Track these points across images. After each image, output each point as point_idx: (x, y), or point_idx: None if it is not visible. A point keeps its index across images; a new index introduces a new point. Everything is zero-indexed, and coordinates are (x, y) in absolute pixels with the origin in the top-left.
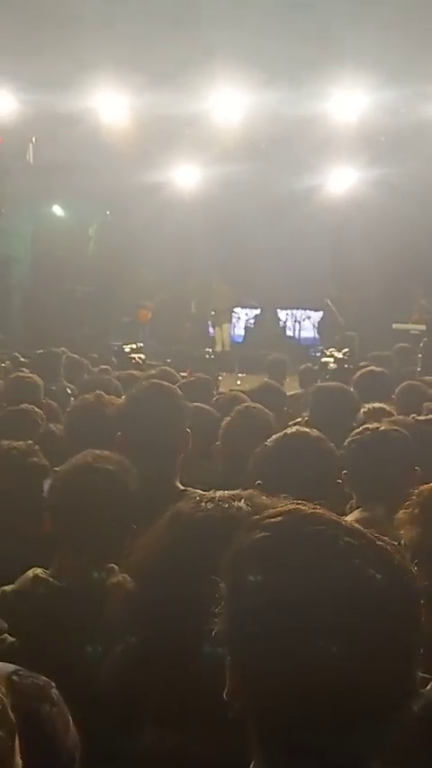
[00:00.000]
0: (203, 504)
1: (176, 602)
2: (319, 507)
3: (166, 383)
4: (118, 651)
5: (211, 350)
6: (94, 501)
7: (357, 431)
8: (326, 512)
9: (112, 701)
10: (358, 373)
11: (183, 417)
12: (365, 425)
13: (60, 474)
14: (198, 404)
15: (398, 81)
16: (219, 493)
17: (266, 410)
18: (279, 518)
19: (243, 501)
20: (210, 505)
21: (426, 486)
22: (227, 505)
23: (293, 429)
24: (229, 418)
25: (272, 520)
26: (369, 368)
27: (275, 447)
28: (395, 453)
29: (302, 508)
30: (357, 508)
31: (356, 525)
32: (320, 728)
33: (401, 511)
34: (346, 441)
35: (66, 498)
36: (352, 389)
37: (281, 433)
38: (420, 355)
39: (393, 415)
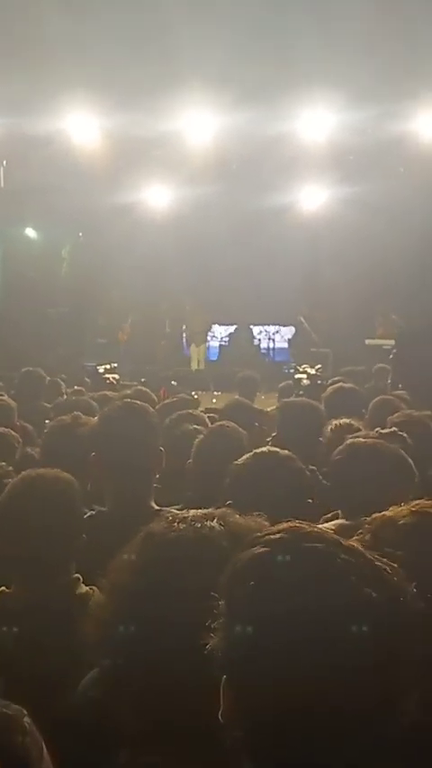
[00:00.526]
0: (176, 524)
1: (150, 623)
2: (317, 526)
3: (138, 402)
4: (91, 675)
5: (192, 368)
6: (33, 518)
7: (347, 444)
8: (325, 530)
9: (86, 724)
10: (328, 390)
11: (155, 436)
12: (353, 439)
13: (4, 493)
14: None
15: (365, 101)
16: (192, 512)
17: (239, 428)
18: (278, 535)
19: (216, 520)
20: (182, 525)
21: (377, 514)
22: (199, 525)
23: (263, 449)
24: (201, 437)
25: (271, 536)
26: (339, 384)
27: (245, 467)
28: (386, 466)
29: (302, 526)
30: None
31: (355, 545)
32: (316, 746)
33: (354, 537)
34: (336, 454)
35: (6, 515)
36: (319, 405)
37: (251, 453)
38: (382, 368)
39: (360, 431)
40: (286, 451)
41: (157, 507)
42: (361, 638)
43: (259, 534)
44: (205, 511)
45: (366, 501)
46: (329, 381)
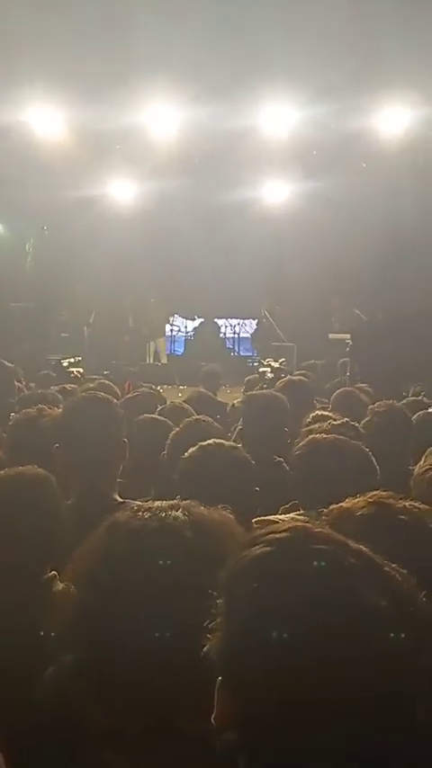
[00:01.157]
0: (140, 513)
1: (113, 613)
2: (324, 527)
3: (101, 394)
4: (53, 669)
5: (153, 362)
6: (12, 515)
7: (309, 439)
8: (332, 532)
9: (48, 719)
10: (278, 383)
11: (119, 428)
12: (314, 435)
13: None
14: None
15: (327, 95)
16: (156, 503)
17: (216, 423)
18: (283, 534)
19: (181, 510)
20: (147, 515)
21: (336, 506)
22: (164, 515)
23: (209, 441)
24: (177, 429)
25: (275, 535)
26: (287, 378)
27: (192, 460)
28: (346, 462)
29: (308, 525)
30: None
31: (364, 548)
32: (316, 751)
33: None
34: (297, 449)
35: None
36: (284, 397)
37: (196, 446)
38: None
39: (339, 422)
40: (231, 443)
41: (120, 500)
42: (366, 645)
43: (262, 532)
44: (170, 502)
45: (327, 496)
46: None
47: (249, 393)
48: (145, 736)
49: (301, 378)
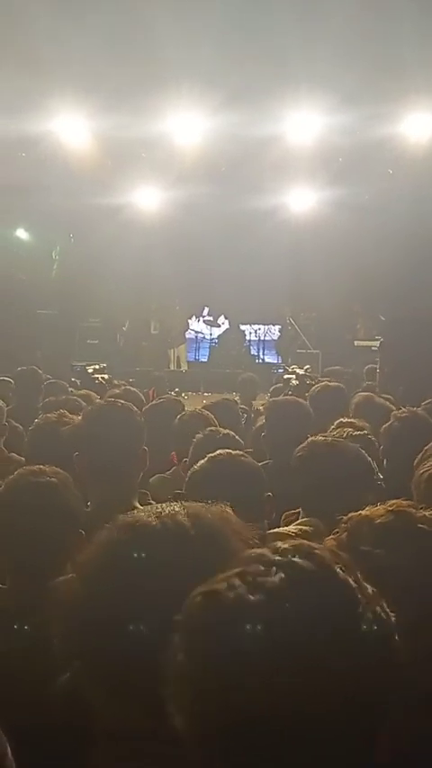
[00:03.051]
0: (142, 516)
1: (119, 618)
2: (322, 545)
3: (121, 402)
4: (63, 678)
5: (176, 369)
6: (25, 521)
7: (308, 442)
8: (317, 546)
9: (57, 720)
10: (313, 389)
11: (139, 436)
12: (314, 438)
13: None
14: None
15: (352, 102)
16: (158, 505)
17: (233, 435)
18: (257, 552)
19: (182, 510)
20: (147, 518)
21: (355, 513)
22: (165, 515)
23: (218, 451)
24: (195, 440)
25: (252, 553)
26: (323, 383)
27: (201, 471)
28: (344, 464)
29: (303, 543)
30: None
31: (326, 558)
32: (282, 760)
33: (330, 537)
34: (297, 452)
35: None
36: (307, 403)
37: (205, 458)
38: (378, 370)
39: (363, 429)
40: (241, 453)
41: (140, 506)
42: (330, 664)
43: (264, 549)
44: (172, 504)
45: (325, 498)
46: (317, 381)
47: (273, 399)
48: (153, 740)
49: (338, 384)
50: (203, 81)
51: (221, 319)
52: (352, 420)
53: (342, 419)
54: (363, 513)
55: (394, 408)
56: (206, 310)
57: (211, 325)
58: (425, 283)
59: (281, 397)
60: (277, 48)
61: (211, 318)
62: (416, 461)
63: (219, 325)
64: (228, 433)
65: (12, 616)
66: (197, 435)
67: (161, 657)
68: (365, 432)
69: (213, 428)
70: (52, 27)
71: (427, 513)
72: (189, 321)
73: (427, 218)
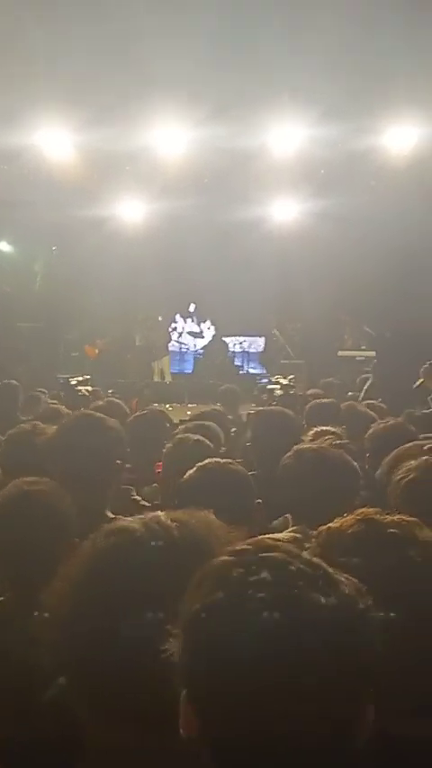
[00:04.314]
0: (123, 526)
1: (104, 630)
2: (283, 540)
3: (95, 414)
4: (52, 690)
5: (160, 381)
6: (22, 534)
7: (294, 449)
8: (291, 543)
9: (51, 738)
10: (309, 404)
11: (112, 447)
12: (300, 445)
13: None
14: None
15: (335, 115)
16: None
17: (207, 442)
18: (245, 546)
19: (164, 518)
20: (129, 527)
21: (323, 527)
22: (147, 524)
23: (207, 461)
24: (168, 447)
25: (237, 547)
26: (317, 400)
27: (191, 480)
28: (331, 471)
29: (271, 539)
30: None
31: (316, 559)
32: (278, 757)
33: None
34: (284, 459)
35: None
36: (293, 413)
37: (194, 468)
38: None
39: (342, 437)
40: (231, 461)
41: (112, 516)
42: (310, 644)
43: (233, 547)
44: (153, 513)
45: (312, 505)
46: (309, 393)
47: (259, 409)
48: (144, 750)
49: (332, 400)
50: (187, 93)
51: (207, 328)
52: (329, 428)
53: (320, 428)
54: (332, 525)
55: (376, 417)
56: (190, 320)
57: (196, 337)
58: (408, 296)
59: (267, 407)
60: (261, 61)
61: (196, 330)
62: (386, 466)
63: (203, 337)
64: (198, 440)
65: (5, 628)
66: (167, 444)
67: (150, 666)
68: (346, 440)
69: (183, 435)
70: (36, 40)
71: (395, 518)
72: (174, 331)
73: (409, 231)
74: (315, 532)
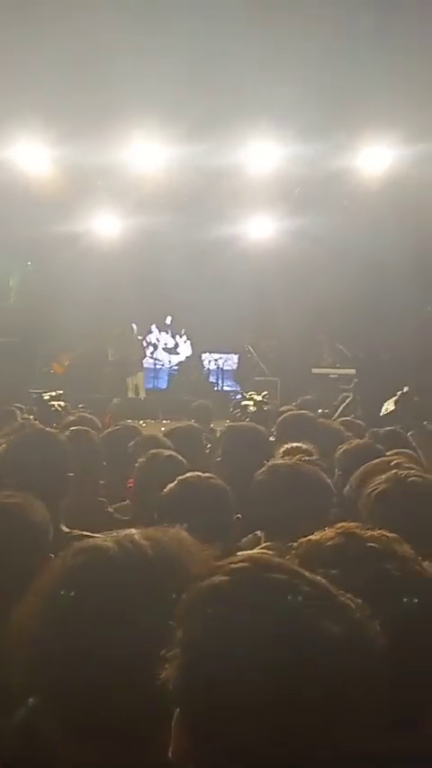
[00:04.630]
0: (94, 543)
1: (74, 649)
2: (282, 558)
3: (46, 429)
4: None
5: (135, 396)
6: (6, 542)
7: (268, 465)
8: (288, 562)
9: (23, 759)
10: (281, 417)
11: (63, 462)
12: (274, 461)
13: None
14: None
15: (310, 135)
16: (112, 532)
17: (179, 457)
18: (240, 564)
19: (137, 536)
20: (100, 544)
21: (303, 539)
22: (119, 542)
23: (189, 474)
24: (140, 462)
25: (233, 565)
26: (291, 411)
27: (171, 494)
28: (304, 486)
29: (266, 556)
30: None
31: (320, 579)
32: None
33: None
34: (257, 475)
35: None
36: (263, 429)
37: (175, 481)
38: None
39: (312, 455)
40: (210, 476)
41: (66, 530)
42: (319, 672)
43: (222, 563)
44: (127, 530)
45: (286, 521)
46: (282, 409)
47: (229, 425)
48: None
49: (306, 412)
50: (164, 110)
51: (184, 342)
52: (300, 445)
53: (291, 445)
54: (312, 538)
55: (350, 434)
56: (165, 333)
57: (171, 353)
58: (380, 316)
59: (237, 423)
60: (237, 80)
61: (172, 344)
62: (354, 482)
63: (178, 353)
64: (171, 455)
65: None
66: (140, 459)
67: (123, 684)
68: (316, 457)
69: (156, 450)
70: (11, 55)
71: (376, 533)
72: (149, 346)
73: (383, 252)
74: (295, 544)
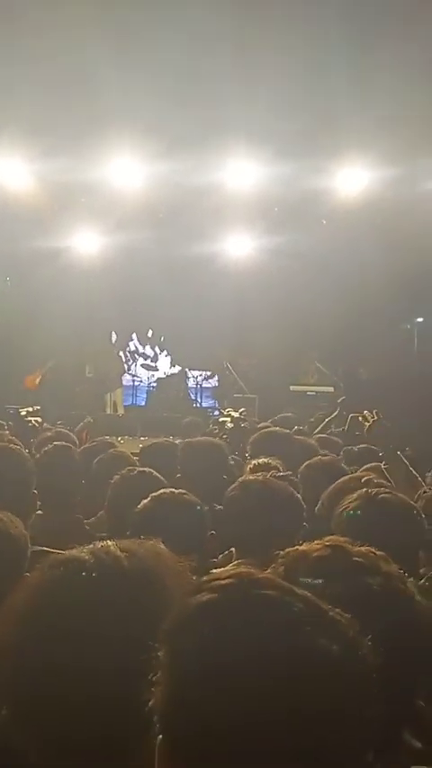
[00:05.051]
0: (69, 558)
1: (52, 661)
2: (268, 573)
3: (12, 446)
4: None
5: (113, 413)
6: None
7: (239, 481)
8: (276, 577)
9: None
10: (255, 435)
11: (28, 479)
12: (245, 477)
13: None
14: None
15: (288, 154)
16: (88, 546)
17: (155, 474)
18: (227, 580)
19: (114, 550)
20: (77, 559)
21: (291, 549)
22: (96, 556)
23: (163, 491)
24: (114, 480)
25: (219, 582)
26: (266, 429)
27: (144, 511)
28: (275, 502)
29: (252, 571)
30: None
31: (310, 594)
32: None
33: (269, 569)
34: (229, 491)
35: None
36: (222, 443)
37: (148, 498)
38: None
39: (279, 470)
40: (184, 492)
41: (36, 548)
42: (317, 693)
43: (206, 579)
44: (103, 543)
45: (257, 536)
46: (260, 426)
47: (187, 440)
48: None
49: (279, 429)
50: (144, 128)
51: (165, 356)
52: (267, 460)
53: (261, 460)
54: (299, 548)
55: (323, 450)
56: (148, 346)
57: (150, 369)
58: (358, 333)
59: (194, 439)
60: (217, 100)
61: (151, 355)
62: (327, 500)
63: (157, 369)
64: (144, 470)
65: None
66: (114, 476)
67: (99, 698)
68: (288, 472)
69: (130, 467)
70: None
71: (363, 549)
72: (129, 360)
73: (359, 269)
74: (282, 553)
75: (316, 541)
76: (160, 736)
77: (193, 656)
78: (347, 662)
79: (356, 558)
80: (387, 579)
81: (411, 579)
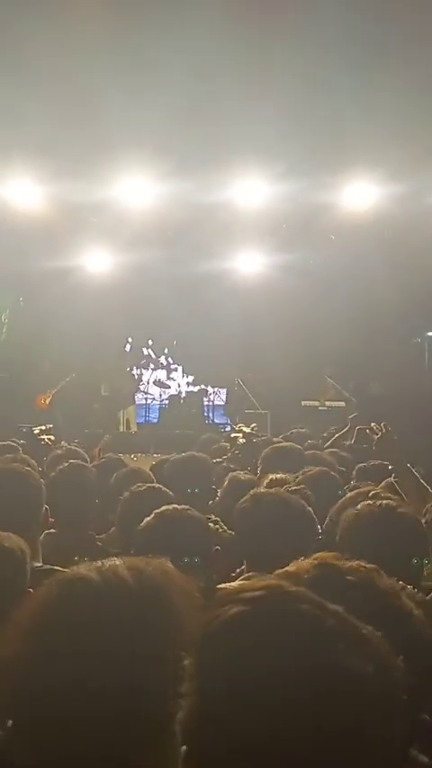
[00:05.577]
0: (78, 573)
1: (58, 679)
2: (298, 586)
3: (21, 466)
4: None
5: (126, 431)
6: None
7: (251, 494)
8: (307, 591)
9: None
10: (267, 449)
11: (37, 496)
12: (257, 490)
13: None
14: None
15: (296, 172)
16: (95, 563)
17: (163, 488)
18: (258, 592)
19: (122, 567)
20: (84, 575)
21: (280, 571)
22: (104, 572)
23: (165, 507)
24: (127, 494)
25: (250, 594)
26: (278, 444)
27: (148, 527)
28: (288, 516)
29: (282, 584)
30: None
31: (339, 609)
32: None
33: None
34: (240, 504)
35: None
36: (208, 458)
37: (152, 515)
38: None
39: (288, 483)
40: (189, 508)
41: (40, 564)
42: (349, 710)
43: (234, 590)
44: (111, 560)
45: (269, 549)
46: (267, 441)
47: (173, 456)
48: None
49: (292, 444)
50: (153, 148)
51: (175, 370)
52: (282, 477)
53: (276, 475)
54: (289, 569)
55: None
56: (164, 358)
57: (162, 386)
58: (368, 348)
59: (179, 454)
60: (225, 117)
61: (165, 371)
62: (334, 515)
63: (169, 387)
64: (153, 486)
65: None
66: (124, 493)
67: (103, 717)
68: (301, 485)
69: (140, 483)
70: (1, 92)
71: (354, 565)
72: (142, 376)
73: (369, 285)
74: (271, 576)
75: (303, 560)
76: (184, 747)
77: (223, 670)
78: (380, 682)
79: (348, 577)
80: (382, 596)
81: (416, 591)
